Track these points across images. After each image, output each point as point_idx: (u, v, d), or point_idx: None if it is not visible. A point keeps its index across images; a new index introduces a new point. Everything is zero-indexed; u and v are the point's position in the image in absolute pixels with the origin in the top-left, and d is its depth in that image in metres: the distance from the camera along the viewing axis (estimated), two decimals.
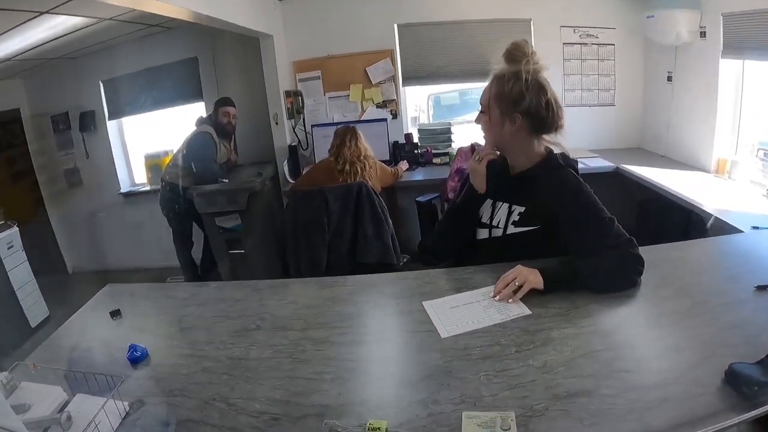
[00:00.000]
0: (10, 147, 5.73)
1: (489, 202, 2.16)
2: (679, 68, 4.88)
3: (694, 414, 1.19)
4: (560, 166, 2.04)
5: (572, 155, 2.09)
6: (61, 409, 1.40)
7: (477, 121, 2.11)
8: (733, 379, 1.26)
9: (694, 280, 1.91)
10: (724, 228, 3.22)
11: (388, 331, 1.74)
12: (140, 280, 2.31)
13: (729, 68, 4.25)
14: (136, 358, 1.64)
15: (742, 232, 3.01)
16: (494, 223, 2.11)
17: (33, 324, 4.67)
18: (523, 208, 2.04)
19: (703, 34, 4.43)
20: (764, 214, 3.38)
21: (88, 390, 1.46)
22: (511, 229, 2.06)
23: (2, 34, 3.74)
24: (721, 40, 4.19)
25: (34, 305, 4.72)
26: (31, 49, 4.50)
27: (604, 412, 1.22)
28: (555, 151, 2.07)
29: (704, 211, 3.49)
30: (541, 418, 1.23)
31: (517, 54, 1.94)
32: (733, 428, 1.12)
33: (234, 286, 2.23)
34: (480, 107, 2.08)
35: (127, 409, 1.40)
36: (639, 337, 1.59)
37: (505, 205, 2.09)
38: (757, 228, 3.01)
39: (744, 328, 1.54)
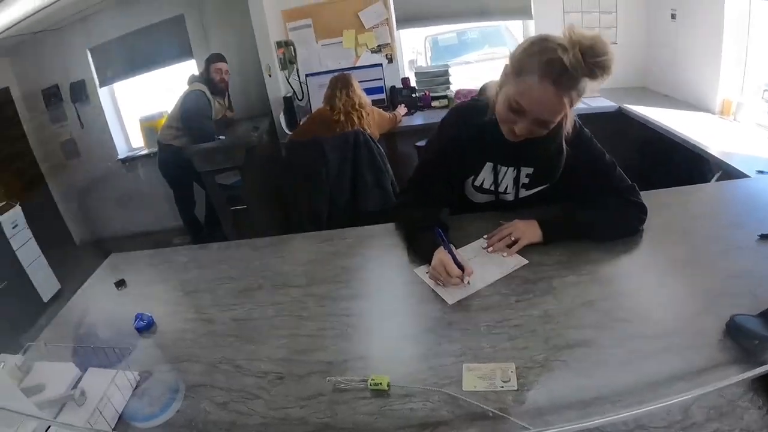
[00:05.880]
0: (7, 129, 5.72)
1: (488, 166, 1.96)
2: (683, 6, 4.73)
3: (695, 366, 1.18)
4: None
5: None
6: (75, 385, 1.42)
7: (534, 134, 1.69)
8: (734, 331, 1.24)
9: (696, 227, 1.86)
10: (728, 172, 3.14)
11: (388, 284, 1.74)
12: (146, 243, 2.33)
13: (734, 7, 4.08)
14: (143, 326, 1.66)
15: (748, 176, 2.91)
16: (501, 189, 1.99)
17: (45, 299, 4.70)
18: (531, 170, 1.93)
19: None
20: None
21: (99, 363, 1.48)
22: (523, 193, 1.99)
23: None
24: None
25: (44, 280, 4.74)
26: (13, 26, 4.42)
27: (603, 363, 1.23)
28: None
29: (709, 154, 3.39)
30: (541, 369, 1.24)
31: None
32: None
33: (234, 246, 2.22)
34: (541, 120, 1.64)
35: (138, 378, 1.42)
36: (639, 285, 1.58)
37: (511, 169, 1.94)
38: (762, 172, 2.91)
39: (745, 278, 1.50)
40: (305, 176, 3.89)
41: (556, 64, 1.51)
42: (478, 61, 6.07)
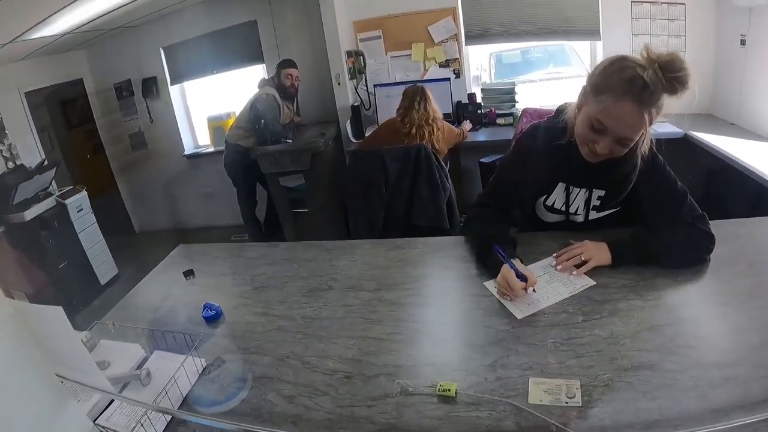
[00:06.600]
0: (78, 118, 5.96)
1: (561, 187, 1.94)
2: (753, 32, 4.61)
3: (755, 397, 1.16)
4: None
5: None
6: (140, 366, 1.48)
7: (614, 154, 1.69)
8: None
9: (762, 259, 1.80)
10: None
11: (457, 294, 1.74)
12: (206, 237, 2.37)
13: None
14: (211, 316, 1.70)
15: None
16: (572, 210, 1.97)
17: (103, 282, 4.89)
18: (603, 192, 1.90)
19: None
20: None
21: (166, 347, 1.53)
22: (593, 215, 1.96)
23: (64, 7, 3.81)
24: None
25: (103, 264, 4.93)
26: (92, 20, 4.58)
27: (666, 387, 1.22)
28: None
29: None
30: (605, 389, 1.23)
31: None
32: None
33: (303, 247, 2.24)
34: (622, 138, 1.65)
35: (204, 365, 1.46)
36: (703, 313, 1.55)
37: (583, 191, 1.92)
38: None
39: None
40: (364, 185, 3.91)
41: (637, 80, 1.53)
42: (542, 80, 6.01)
